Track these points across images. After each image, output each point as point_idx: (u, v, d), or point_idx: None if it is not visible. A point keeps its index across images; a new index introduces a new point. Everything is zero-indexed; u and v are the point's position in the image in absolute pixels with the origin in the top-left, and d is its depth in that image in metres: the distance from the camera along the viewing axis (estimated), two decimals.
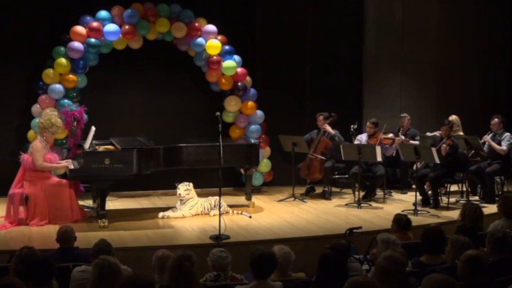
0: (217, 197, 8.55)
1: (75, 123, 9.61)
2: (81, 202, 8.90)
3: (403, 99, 11.93)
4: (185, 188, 8.87)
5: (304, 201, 10.00)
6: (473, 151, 10.23)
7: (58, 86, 9.84)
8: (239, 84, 10.67)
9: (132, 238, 7.73)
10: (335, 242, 5.60)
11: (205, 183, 10.19)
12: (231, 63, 10.52)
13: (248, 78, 10.81)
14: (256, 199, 9.98)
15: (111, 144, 8.95)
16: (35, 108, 9.86)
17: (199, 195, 9.15)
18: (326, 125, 10.32)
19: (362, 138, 10.40)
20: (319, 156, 10.27)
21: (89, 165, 8.16)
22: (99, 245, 5.34)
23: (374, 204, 9.76)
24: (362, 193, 10.01)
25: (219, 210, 8.11)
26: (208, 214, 8.90)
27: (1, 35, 9.93)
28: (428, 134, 10.77)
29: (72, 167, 8.53)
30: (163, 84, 10.78)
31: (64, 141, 9.87)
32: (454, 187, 10.33)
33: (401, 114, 11.16)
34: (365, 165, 10.12)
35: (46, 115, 9.17)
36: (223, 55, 10.55)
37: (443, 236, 5.44)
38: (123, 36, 10.03)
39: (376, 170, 10.03)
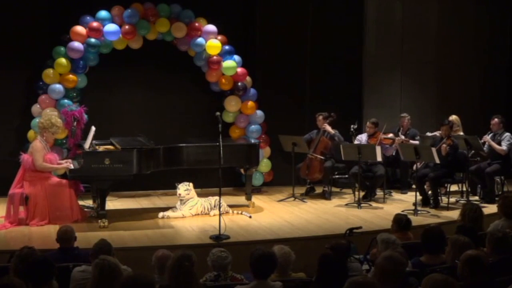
0: (217, 197, 8.55)
1: (75, 123, 9.61)
2: (81, 202, 8.91)
3: (403, 99, 11.93)
4: (185, 188, 8.87)
5: (304, 201, 10.00)
6: (473, 151, 10.23)
7: (58, 86, 9.84)
8: (239, 84, 10.67)
9: (132, 238, 7.73)
10: (335, 242, 5.59)
11: (205, 183, 10.19)
12: (231, 63, 10.52)
13: (248, 78, 10.81)
14: (256, 199, 9.98)
15: (111, 144, 8.95)
16: (35, 108, 9.86)
17: (199, 195, 9.15)
18: (325, 124, 10.32)
19: (362, 138, 10.41)
20: (319, 156, 10.27)
21: (89, 165, 8.16)
22: (99, 245, 5.34)
23: (374, 204, 9.76)
24: (362, 193, 10.01)
25: (219, 210, 8.11)
26: (208, 214, 8.90)
27: (1, 35, 9.93)
28: (428, 134, 10.77)
29: (72, 167, 8.53)
30: (163, 84, 10.78)
31: (64, 141, 9.87)
32: (454, 187, 10.33)
33: (401, 114, 11.16)
34: (365, 165, 10.12)
35: (46, 115, 9.17)
36: (223, 55, 10.55)
37: (443, 236, 5.44)
38: (123, 36, 10.03)
39: (376, 170, 10.03)
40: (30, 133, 9.78)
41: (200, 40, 10.34)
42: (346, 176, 10.57)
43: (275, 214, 9.13)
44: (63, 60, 9.83)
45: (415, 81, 12.02)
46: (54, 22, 10.07)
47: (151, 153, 8.45)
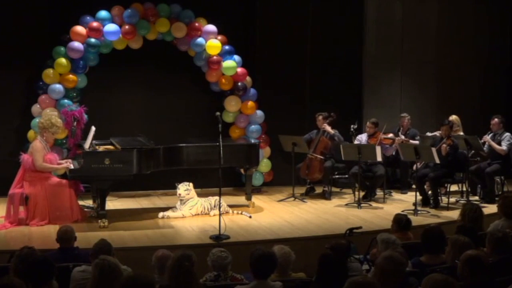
0: (217, 197, 8.55)
1: (75, 123, 9.61)
2: (81, 202, 8.91)
3: (403, 99, 11.93)
4: (185, 188, 8.87)
5: (304, 201, 10.00)
6: (473, 151, 10.23)
7: (58, 86, 9.84)
8: (239, 84, 10.67)
9: (132, 238, 7.73)
10: (335, 242, 5.59)
11: (205, 183, 10.19)
12: (231, 63, 10.52)
13: (248, 78, 10.81)
14: (256, 199, 9.98)
15: (111, 144, 8.95)
16: (35, 108, 9.86)
17: (199, 195, 9.15)
18: (325, 124, 10.32)
19: (362, 138, 10.41)
20: (319, 156, 10.27)
21: (89, 165, 8.16)
22: (99, 245, 5.34)
23: (374, 204, 9.76)
24: (362, 193, 10.01)
25: (219, 210, 8.11)
26: (208, 214, 8.90)
27: (1, 35, 9.93)
28: (428, 134, 10.77)
29: (72, 167, 8.53)
30: (163, 84, 10.78)
31: (64, 141, 9.87)
32: (454, 187, 10.32)
33: (401, 114, 11.17)
34: (365, 165, 10.12)
35: (46, 115, 9.17)
36: (223, 55, 10.55)
37: (443, 236, 5.43)
38: (123, 36, 10.03)
39: (376, 170, 10.03)
40: (30, 133, 9.78)
41: (200, 40, 10.34)
42: (346, 176, 10.57)
43: (275, 214, 9.13)
44: (63, 60, 9.83)
45: (415, 81, 12.02)
46: (54, 22, 10.07)
47: (151, 153, 8.45)
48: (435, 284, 3.95)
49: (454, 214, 8.54)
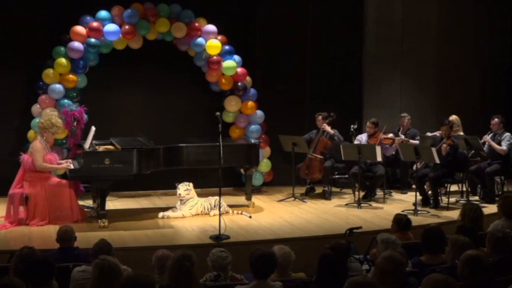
0: (217, 197, 8.55)
1: (75, 123, 9.61)
2: (81, 202, 8.91)
3: (403, 99, 11.93)
4: (185, 188, 8.87)
5: (304, 201, 10.00)
6: (473, 151, 10.23)
7: (58, 86, 9.84)
8: (239, 84, 10.67)
9: (132, 238, 7.73)
10: (335, 242, 5.59)
11: (205, 183, 10.19)
12: (231, 63, 10.52)
13: (248, 78, 10.81)
14: (256, 199, 9.98)
15: (111, 144, 8.95)
16: (35, 108, 9.86)
17: (199, 195, 9.15)
18: (325, 124, 10.32)
19: (362, 138, 10.41)
20: (318, 156, 10.27)
21: (89, 165, 8.16)
22: (99, 245, 5.34)
23: (374, 204, 9.76)
24: (362, 193, 10.01)
25: (219, 210, 8.11)
26: (208, 214, 8.90)
27: (1, 35, 9.93)
28: (428, 134, 10.77)
29: (72, 167, 8.52)
30: (163, 84, 10.78)
31: (64, 141, 9.87)
32: (454, 187, 10.33)
33: (401, 114, 11.17)
34: (365, 165, 10.12)
35: (46, 115, 9.18)
36: (223, 55, 10.55)
37: (443, 236, 5.43)
38: (123, 36, 10.03)
39: (376, 170, 10.03)
40: (30, 133, 9.77)
41: (200, 40, 10.34)
42: (346, 176, 10.57)
43: (275, 214, 9.13)
44: (63, 60, 9.83)
45: (415, 81, 12.02)
46: (54, 22, 10.07)
47: (151, 153, 8.45)
48: (435, 284, 3.95)
49: (454, 214, 8.54)
